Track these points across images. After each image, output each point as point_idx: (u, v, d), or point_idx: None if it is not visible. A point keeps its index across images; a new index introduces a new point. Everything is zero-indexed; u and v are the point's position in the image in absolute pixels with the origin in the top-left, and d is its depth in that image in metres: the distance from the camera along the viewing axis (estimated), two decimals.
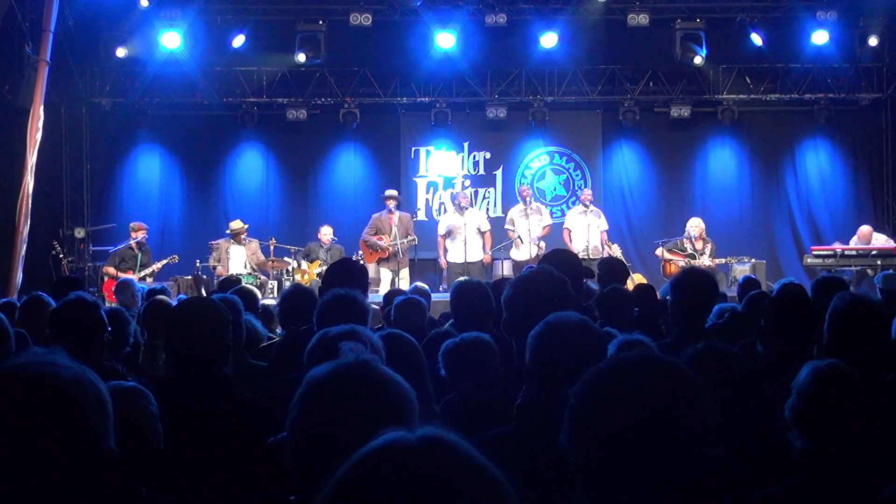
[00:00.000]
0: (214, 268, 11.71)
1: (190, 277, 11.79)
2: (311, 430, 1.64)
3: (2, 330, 3.44)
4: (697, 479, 1.29)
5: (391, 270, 11.95)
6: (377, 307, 6.17)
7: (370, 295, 5.93)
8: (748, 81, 13.98)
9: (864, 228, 12.04)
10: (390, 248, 11.83)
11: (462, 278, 6.57)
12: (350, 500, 1.01)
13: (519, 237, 12.08)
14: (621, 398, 1.31)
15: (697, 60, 13.09)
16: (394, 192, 12.39)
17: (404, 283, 11.39)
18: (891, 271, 8.86)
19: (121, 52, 13.04)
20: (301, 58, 13.05)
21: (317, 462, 1.60)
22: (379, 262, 11.99)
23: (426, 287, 6.40)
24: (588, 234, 12.00)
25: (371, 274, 11.81)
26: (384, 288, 10.98)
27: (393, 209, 12.10)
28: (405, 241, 11.97)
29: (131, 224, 12.09)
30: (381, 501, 0.99)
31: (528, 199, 12.27)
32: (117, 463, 1.32)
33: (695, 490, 1.29)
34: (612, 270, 5.75)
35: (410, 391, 1.68)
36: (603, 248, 11.90)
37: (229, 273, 10.92)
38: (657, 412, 1.30)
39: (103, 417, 1.33)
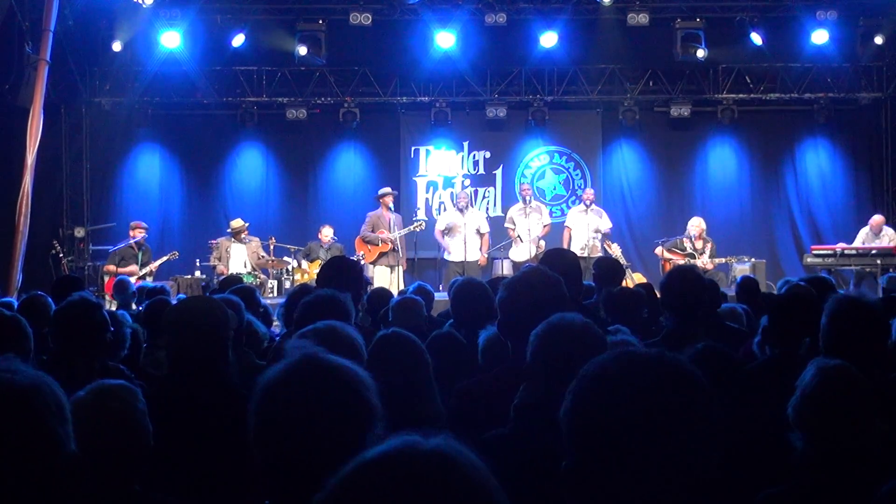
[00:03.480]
0: (215, 266, 11.71)
1: (190, 277, 11.79)
2: (272, 435, 1.63)
3: (22, 331, 3.45)
4: (700, 479, 1.27)
5: (389, 266, 11.87)
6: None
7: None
8: (748, 81, 13.98)
9: (877, 217, 12.12)
10: (391, 239, 11.78)
11: (461, 277, 6.56)
12: (352, 497, 1.00)
13: (519, 236, 12.07)
14: (626, 394, 1.28)
15: (700, 53, 12.98)
16: (387, 189, 12.32)
17: (401, 283, 11.39)
18: None
19: (116, 47, 12.94)
20: (302, 50, 12.99)
21: (282, 464, 1.60)
22: (378, 258, 11.92)
23: (428, 287, 6.38)
24: (588, 233, 12.01)
25: (368, 272, 11.80)
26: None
27: (391, 207, 12.10)
28: (412, 225, 11.95)
29: (131, 223, 12.08)
30: (380, 501, 0.98)
31: (528, 198, 12.26)
32: (79, 467, 1.31)
33: (696, 490, 1.27)
34: (609, 270, 5.74)
35: (362, 373, 1.68)
36: (603, 248, 11.88)
37: (230, 272, 10.93)
38: (664, 409, 1.26)
39: (63, 422, 1.31)
